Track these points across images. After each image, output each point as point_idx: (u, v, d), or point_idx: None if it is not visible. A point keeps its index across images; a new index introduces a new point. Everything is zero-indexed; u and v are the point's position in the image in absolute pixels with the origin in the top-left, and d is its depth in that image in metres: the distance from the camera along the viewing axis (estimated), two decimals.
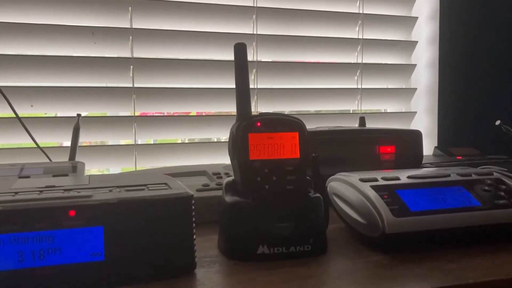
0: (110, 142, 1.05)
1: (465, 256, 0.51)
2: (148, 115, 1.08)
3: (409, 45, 1.28)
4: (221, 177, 0.73)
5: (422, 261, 0.49)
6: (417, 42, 1.28)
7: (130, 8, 1.01)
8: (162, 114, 1.09)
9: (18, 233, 0.40)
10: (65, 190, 0.47)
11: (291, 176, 0.52)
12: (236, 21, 1.10)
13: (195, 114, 1.11)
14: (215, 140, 1.14)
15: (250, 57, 1.09)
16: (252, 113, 0.53)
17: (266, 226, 0.50)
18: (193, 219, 0.46)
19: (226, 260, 0.50)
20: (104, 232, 0.42)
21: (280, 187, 0.51)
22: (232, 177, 0.55)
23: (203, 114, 1.11)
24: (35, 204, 0.41)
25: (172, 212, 0.45)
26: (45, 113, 1.01)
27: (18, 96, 0.92)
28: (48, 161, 0.86)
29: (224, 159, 1.01)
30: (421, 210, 0.53)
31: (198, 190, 0.67)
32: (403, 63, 1.29)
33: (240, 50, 0.53)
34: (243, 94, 0.53)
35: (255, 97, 1.10)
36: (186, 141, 1.13)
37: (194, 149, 1.07)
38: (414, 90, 1.28)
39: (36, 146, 0.87)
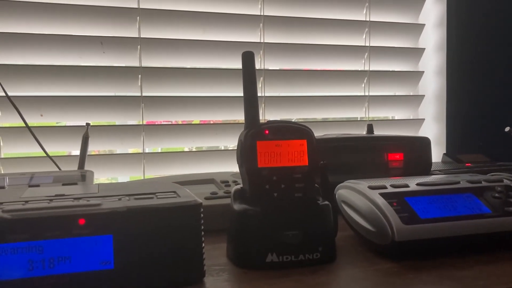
0: (119, 150, 1.06)
1: (476, 264, 0.50)
2: (156, 123, 1.09)
3: (417, 52, 1.28)
4: (229, 185, 0.73)
5: (432, 268, 0.49)
6: (424, 49, 1.28)
7: (138, 17, 1.02)
8: (170, 123, 1.09)
9: (28, 241, 0.40)
10: (74, 198, 0.47)
11: (300, 183, 0.52)
12: (243, 30, 1.10)
13: (198, 122, 1.11)
14: (223, 148, 1.14)
15: (257, 65, 1.09)
16: (260, 121, 0.53)
17: (275, 234, 0.50)
18: (202, 227, 0.46)
19: (235, 268, 0.50)
20: (114, 240, 0.42)
21: (288, 195, 0.51)
22: (241, 185, 0.55)
23: (211, 122, 1.12)
24: (45, 212, 0.42)
25: (181, 220, 0.45)
26: (57, 123, 1.02)
27: (28, 105, 0.93)
28: (57, 170, 0.86)
29: (231, 167, 1.02)
30: (430, 217, 0.53)
31: (206, 198, 0.67)
32: (411, 70, 1.29)
33: (248, 58, 0.53)
34: (251, 102, 0.53)
35: (263, 105, 1.11)
36: (194, 149, 1.14)
37: (201, 157, 1.07)
38: (422, 97, 1.28)
39: (45, 155, 0.88)
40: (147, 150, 1.04)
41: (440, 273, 0.48)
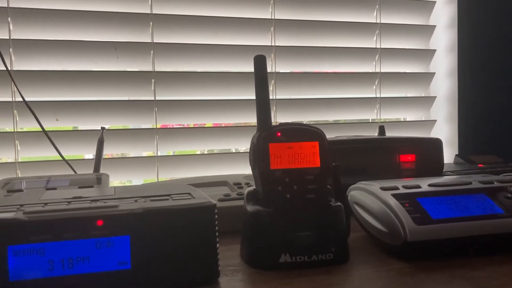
0: (133, 154, 1.07)
1: (489, 264, 0.50)
2: (170, 127, 1.10)
3: (428, 54, 1.28)
4: (242, 187, 0.74)
5: (445, 269, 0.49)
6: (435, 50, 1.27)
7: (151, 23, 1.03)
8: (183, 126, 1.10)
9: (49, 242, 0.41)
10: (92, 200, 0.48)
11: (312, 185, 0.52)
12: (254, 34, 1.11)
13: (211, 125, 1.12)
14: (234, 150, 1.15)
15: (268, 69, 1.10)
16: (272, 124, 0.54)
17: (288, 235, 0.50)
18: (216, 227, 0.46)
19: (249, 268, 0.51)
20: (131, 241, 0.43)
21: (301, 196, 0.52)
22: (253, 187, 0.56)
23: (223, 125, 1.13)
24: (64, 214, 0.43)
25: (195, 221, 0.46)
26: (73, 127, 1.03)
27: (44, 110, 0.95)
28: (73, 173, 0.88)
29: (243, 169, 1.02)
30: (443, 218, 0.53)
31: (219, 200, 0.67)
32: (422, 71, 1.29)
33: (260, 62, 0.54)
34: (263, 105, 0.54)
35: (274, 107, 1.11)
36: (206, 152, 1.15)
37: (214, 160, 1.08)
38: (433, 98, 1.28)
39: (61, 158, 0.89)
40: (160, 153, 1.05)
41: (452, 273, 0.48)
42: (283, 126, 0.54)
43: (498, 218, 0.54)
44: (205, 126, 1.12)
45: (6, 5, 0.95)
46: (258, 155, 0.52)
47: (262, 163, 0.52)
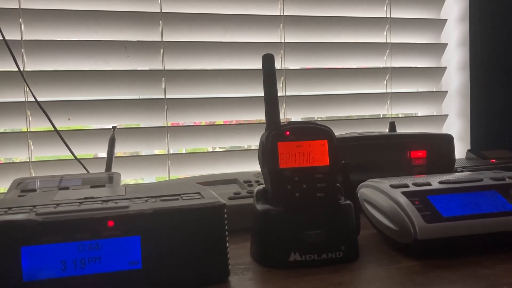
0: (144, 152, 1.08)
1: (500, 262, 0.50)
2: (180, 125, 1.11)
3: (439, 48, 1.26)
4: (252, 185, 0.74)
5: (455, 267, 0.49)
6: (446, 44, 1.26)
7: (160, 21, 1.04)
8: (193, 124, 1.11)
9: (61, 243, 0.42)
10: (103, 201, 0.49)
11: (321, 183, 0.52)
12: (264, 30, 1.11)
13: (221, 123, 1.13)
14: (246, 147, 1.15)
15: (278, 65, 1.10)
16: (281, 121, 0.54)
17: (298, 234, 0.51)
18: (226, 227, 0.47)
19: (259, 267, 0.51)
20: (141, 241, 0.44)
21: (310, 195, 0.52)
22: (263, 185, 0.56)
23: (233, 122, 1.13)
24: (76, 215, 0.43)
25: (205, 221, 0.46)
26: (89, 126, 1.04)
27: (56, 110, 0.96)
28: (85, 172, 0.89)
29: (254, 166, 1.03)
30: (453, 215, 0.53)
31: (229, 198, 0.68)
32: (433, 66, 1.27)
33: (268, 61, 0.54)
34: (271, 104, 0.54)
35: (284, 104, 1.11)
36: (217, 150, 1.15)
37: (225, 157, 1.08)
38: (445, 93, 1.27)
39: (74, 158, 0.90)
40: (171, 151, 1.06)
41: (463, 271, 0.48)
42: (292, 124, 0.54)
43: (509, 216, 0.54)
44: (216, 123, 1.12)
45: (17, 7, 0.96)
46: (267, 154, 0.53)
47: (271, 162, 0.52)
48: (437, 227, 0.51)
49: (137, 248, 0.44)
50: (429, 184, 0.58)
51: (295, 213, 0.51)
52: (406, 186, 0.57)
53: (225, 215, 0.47)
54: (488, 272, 0.48)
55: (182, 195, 0.50)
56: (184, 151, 1.12)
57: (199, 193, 0.51)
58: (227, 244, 0.47)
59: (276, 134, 0.53)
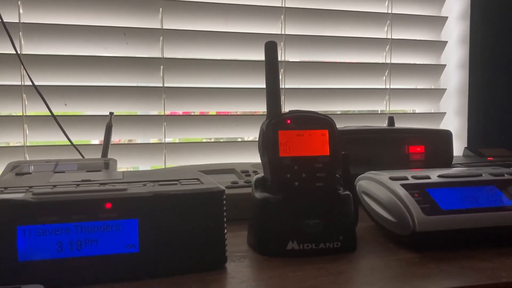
0: (140, 140, 1.07)
1: (498, 256, 0.50)
2: (178, 114, 1.10)
3: (439, 45, 1.26)
4: (249, 175, 0.74)
5: (453, 259, 0.49)
6: (446, 42, 1.26)
7: (160, 9, 1.03)
8: (191, 113, 1.10)
9: (57, 224, 0.42)
10: (101, 184, 0.48)
11: (321, 173, 0.52)
12: (264, 21, 1.10)
13: (215, 113, 1.12)
14: (246, 139, 1.14)
15: (278, 57, 1.09)
16: (282, 112, 0.54)
17: (296, 223, 0.50)
18: (225, 213, 0.46)
19: (256, 255, 0.51)
20: (139, 224, 0.43)
21: (309, 184, 0.52)
22: (262, 174, 0.56)
23: (231, 113, 1.12)
24: (73, 196, 0.43)
25: (204, 206, 0.45)
26: (85, 112, 1.03)
27: (53, 95, 0.95)
28: (81, 158, 0.88)
29: (251, 158, 1.02)
30: (452, 209, 0.52)
31: (227, 187, 0.67)
32: (433, 63, 1.27)
33: (271, 48, 0.54)
34: (273, 92, 0.53)
35: (283, 97, 1.11)
36: (213, 140, 1.15)
37: (221, 147, 1.08)
38: (443, 90, 1.27)
39: (70, 143, 0.90)
40: (168, 140, 1.05)
41: (461, 264, 0.48)
42: (293, 113, 0.53)
43: (507, 210, 0.54)
44: (213, 114, 1.12)
45: None
46: (267, 142, 0.52)
47: (271, 150, 0.52)
48: (436, 220, 0.51)
49: (135, 232, 0.43)
50: (428, 178, 0.58)
51: (293, 202, 0.51)
52: (406, 178, 0.57)
53: (224, 201, 0.46)
54: (486, 265, 0.47)
55: (181, 180, 0.49)
56: (177, 141, 1.11)
57: (198, 179, 0.50)
58: (225, 230, 0.46)
59: (277, 122, 0.52)
